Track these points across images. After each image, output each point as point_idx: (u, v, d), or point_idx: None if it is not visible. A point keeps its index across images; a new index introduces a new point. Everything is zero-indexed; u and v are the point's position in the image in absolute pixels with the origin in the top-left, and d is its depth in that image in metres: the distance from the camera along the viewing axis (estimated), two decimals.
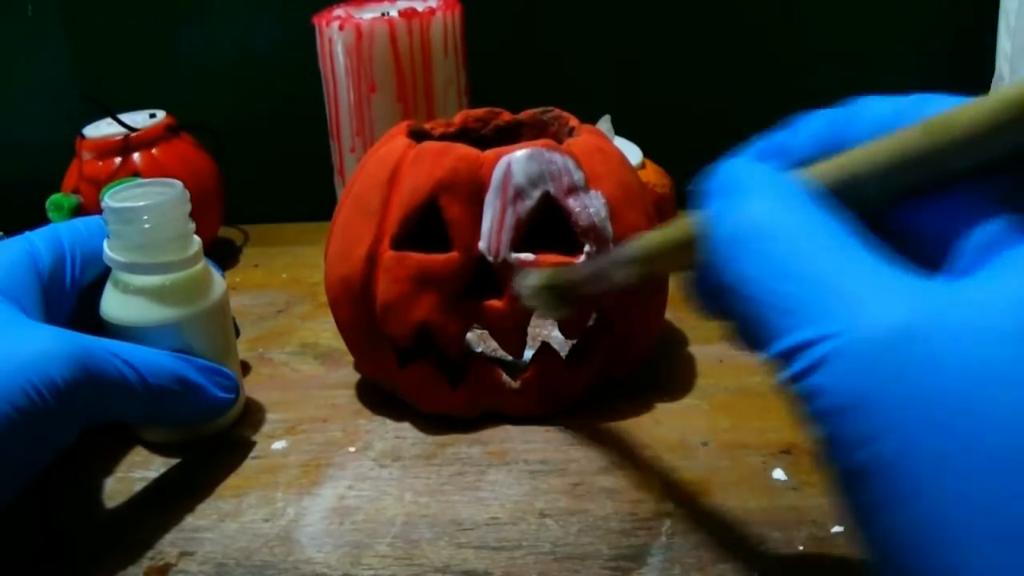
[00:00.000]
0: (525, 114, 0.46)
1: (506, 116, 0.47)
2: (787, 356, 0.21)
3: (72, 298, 0.39)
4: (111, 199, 0.38)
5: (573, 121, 0.45)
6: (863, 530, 0.20)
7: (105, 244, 0.39)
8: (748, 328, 0.23)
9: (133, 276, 0.39)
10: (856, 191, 0.23)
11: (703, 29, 0.67)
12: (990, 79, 0.59)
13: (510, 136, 0.46)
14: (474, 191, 0.39)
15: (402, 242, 0.40)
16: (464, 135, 0.46)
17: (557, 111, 0.46)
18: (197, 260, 0.40)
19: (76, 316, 0.39)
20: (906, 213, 0.23)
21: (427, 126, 0.46)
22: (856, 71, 0.67)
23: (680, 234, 0.28)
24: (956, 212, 0.22)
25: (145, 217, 0.38)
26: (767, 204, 0.23)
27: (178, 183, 0.39)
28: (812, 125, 0.26)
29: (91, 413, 0.34)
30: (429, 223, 0.40)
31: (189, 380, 0.38)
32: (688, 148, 0.61)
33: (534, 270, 0.37)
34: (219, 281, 0.41)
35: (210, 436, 0.41)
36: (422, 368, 0.41)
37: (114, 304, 0.39)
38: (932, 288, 0.20)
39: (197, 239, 0.40)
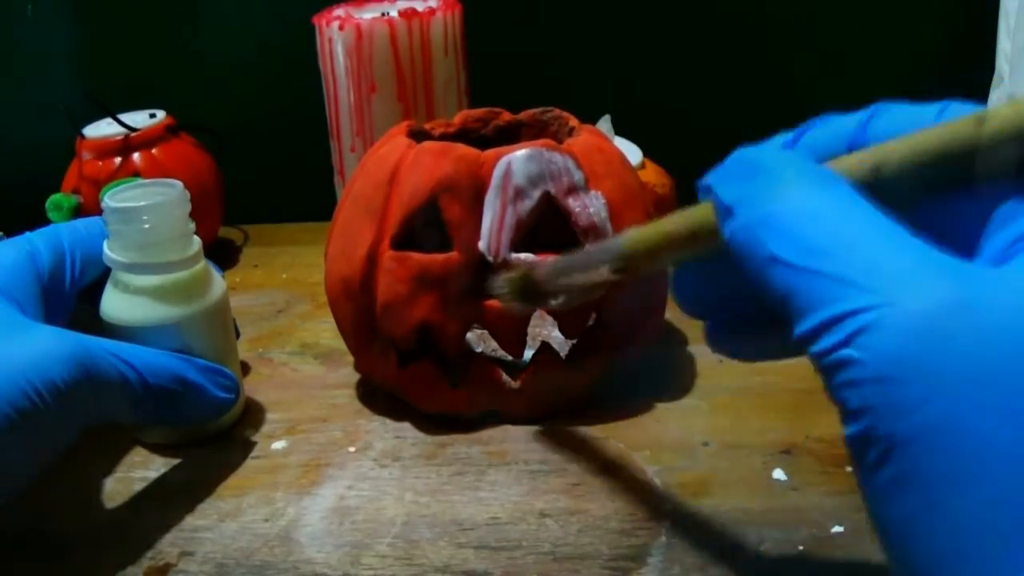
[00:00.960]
0: (525, 114, 0.46)
1: (506, 116, 0.47)
2: (826, 327, 0.21)
3: (72, 298, 0.39)
4: (111, 199, 0.38)
5: (573, 121, 0.45)
6: (891, 509, 0.20)
7: (105, 244, 0.39)
8: (779, 307, 0.22)
9: (133, 276, 0.39)
10: (886, 182, 0.23)
11: (703, 29, 0.67)
12: (990, 79, 0.59)
13: (510, 136, 0.46)
14: (474, 191, 0.39)
15: (402, 242, 0.40)
16: (464, 135, 0.46)
17: (557, 111, 0.46)
18: (197, 260, 0.40)
19: (76, 316, 0.39)
20: (931, 207, 0.23)
21: (427, 126, 0.46)
22: (856, 70, 0.67)
23: (678, 228, 0.27)
24: (984, 206, 0.22)
25: (145, 217, 0.38)
26: (803, 185, 0.23)
27: (178, 183, 0.39)
28: (832, 125, 0.25)
29: (91, 413, 0.34)
30: (429, 223, 0.40)
31: (189, 380, 0.38)
32: (688, 148, 0.61)
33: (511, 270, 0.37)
34: (219, 281, 0.41)
35: (210, 436, 0.41)
36: (422, 368, 0.41)
37: (114, 304, 0.39)
38: (975, 268, 0.21)
39: (197, 239, 0.40)
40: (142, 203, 0.38)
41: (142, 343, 0.38)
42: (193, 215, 0.40)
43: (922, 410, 0.19)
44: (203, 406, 0.39)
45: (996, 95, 0.57)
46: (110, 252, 0.39)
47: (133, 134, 0.58)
